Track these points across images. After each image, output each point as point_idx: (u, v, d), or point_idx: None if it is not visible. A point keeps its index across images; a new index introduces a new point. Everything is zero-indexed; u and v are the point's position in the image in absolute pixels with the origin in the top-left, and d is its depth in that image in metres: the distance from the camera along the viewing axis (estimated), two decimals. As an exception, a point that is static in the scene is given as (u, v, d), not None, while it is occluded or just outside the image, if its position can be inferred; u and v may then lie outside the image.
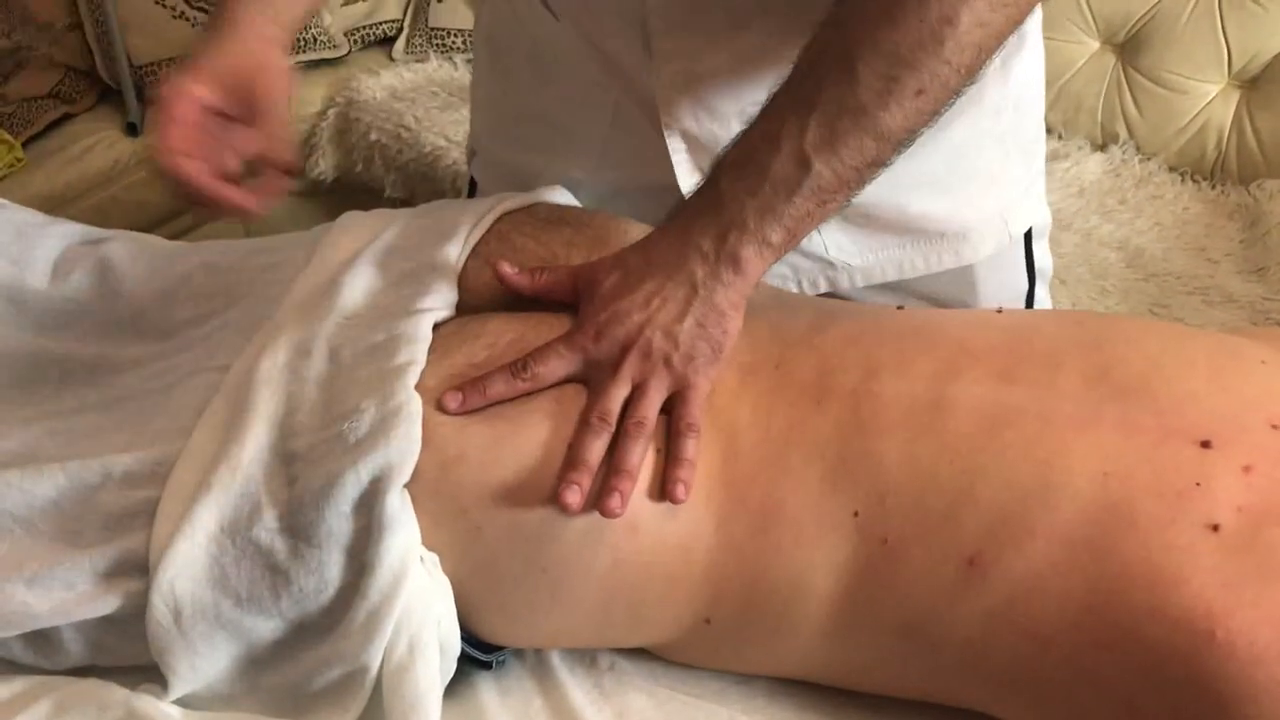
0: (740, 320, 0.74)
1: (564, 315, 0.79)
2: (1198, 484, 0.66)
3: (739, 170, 0.73)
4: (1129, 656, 0.64)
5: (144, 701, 0.72)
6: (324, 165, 2.09)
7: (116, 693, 0.73)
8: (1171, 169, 1.84)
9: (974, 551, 0.68)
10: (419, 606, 0.71)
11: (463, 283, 0.83)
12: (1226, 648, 0.61)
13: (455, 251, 0.84)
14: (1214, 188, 1.81)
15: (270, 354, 0.79)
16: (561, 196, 0.96)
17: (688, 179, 0.91)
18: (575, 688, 0.77)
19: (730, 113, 0.90)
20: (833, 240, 0.96)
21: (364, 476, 0.70)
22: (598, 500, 0.70)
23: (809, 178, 0.71)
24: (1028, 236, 1.05)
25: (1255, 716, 0.60)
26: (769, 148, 0.72)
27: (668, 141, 0.91)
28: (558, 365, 0.73)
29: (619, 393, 0.72)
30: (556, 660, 0.79)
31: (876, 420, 0.73)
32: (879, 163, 0.73)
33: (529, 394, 0.73)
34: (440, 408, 0.72)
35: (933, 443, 0.71)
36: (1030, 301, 1.08)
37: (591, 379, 0.74)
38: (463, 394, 0.73)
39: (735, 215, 0.72)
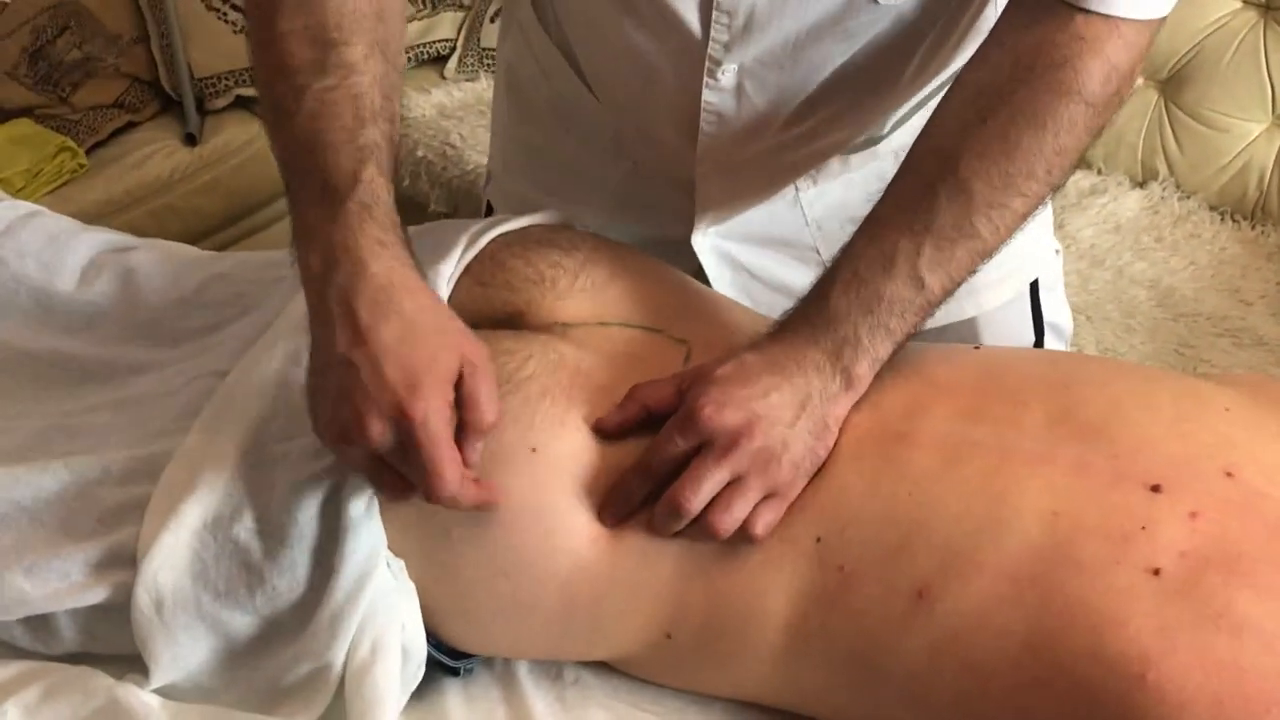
0: (836, 436, 0.74)
1: (553, 338, 0.81)
2: (1143, 527, 0.67)
3: (854, 289, 0.74)
4: (1065, 696, 0.65)
5: (126, 690, 0.76)
6: (371, 178, 2.14)
7: (102, 680, 0.76)
8: (1211, 208, 1.82)
9: (923, 584, 0.69)
10: (383, 608, 0.74)
11: (453, 300, 0.86)
12: (1156, 692, 0.62)
13: (447, 270, 0.87)
14: (1254, 228, 1.78)
15: (265, 361, 0.82)
16: (557, 220, 0.98)
17: (708, 252, 0.96)
18: (539, 699, 0.80)
19: (760, 185, 0.95)
20: None
21: (331, 479, 0.73)
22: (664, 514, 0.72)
23: (921, 296, 0.74)
24: (1034, 288, 1.06)
25: (1181, 761, 0.61)
26: (884, 269, 0.74)
27: (699, 224, 0.95)
28: (675, 450, 0.72)
29: (718, 479, 0.71)
30: (523, 671, 0.81)
31: (842, 449, 0.75)
32: (988, 255, 0.76)
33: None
34: (602, 521, 0.74)
35: (894, 474, 0.73)
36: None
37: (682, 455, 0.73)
38: (612, 510, 0.74)
39: (850, 333, 0.74)
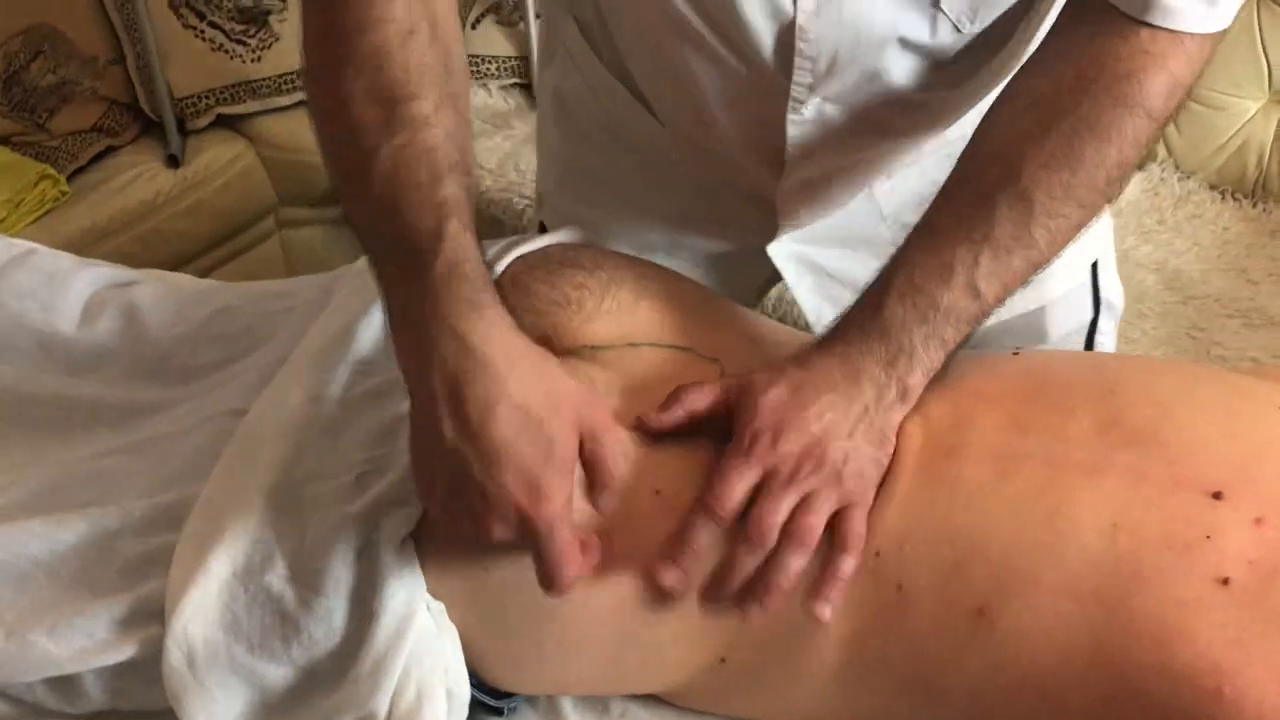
0: (894, 444, 0.73)
1: (581, 361, 0.79)
2: (1208, 536, 0.65)
3: (909, 298, 0.72)
4: (1135, 713, 0.63)
5: None
6: (361, 193, 2.11)
7: None
8: (1211, 187, 1.81)
9: (983, 602, 0.68)
10: (426, 653, 0.71)
11: None
12: (1234, 706, 0.60)
13: None
14: (1255, 206, 1.77)
15: (285, 400, 0.80)
16: (576, 238, 0.96)
17: (786, 259, 0.95)
18: (586, 737, 0.78)
19: (842, 191, 0.93)
20: None
21: (365, 523, 0.71)
22: (741, 606, 0.69)
23: (977, 305, 0.73)
24: (1094, 267, 1.05)
25: (1264, 777, 0.59)
26: (941, 279, 0.72)
27: (780, 235, 0.94)
28: (740, 486, 0.69)
29: (788, 503, 0.69)
30: (568, 707, 0.79)
31: (897, 465, 0.73)
32: (1043, 265, 0.75)
33: None
34: (665, 587, 0.69)
35: (946, 490, 0.71)
36: (1092, 334, 1.07)
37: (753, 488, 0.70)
38: (676, 564, 0.69)
39: (904, 342, 0.72)
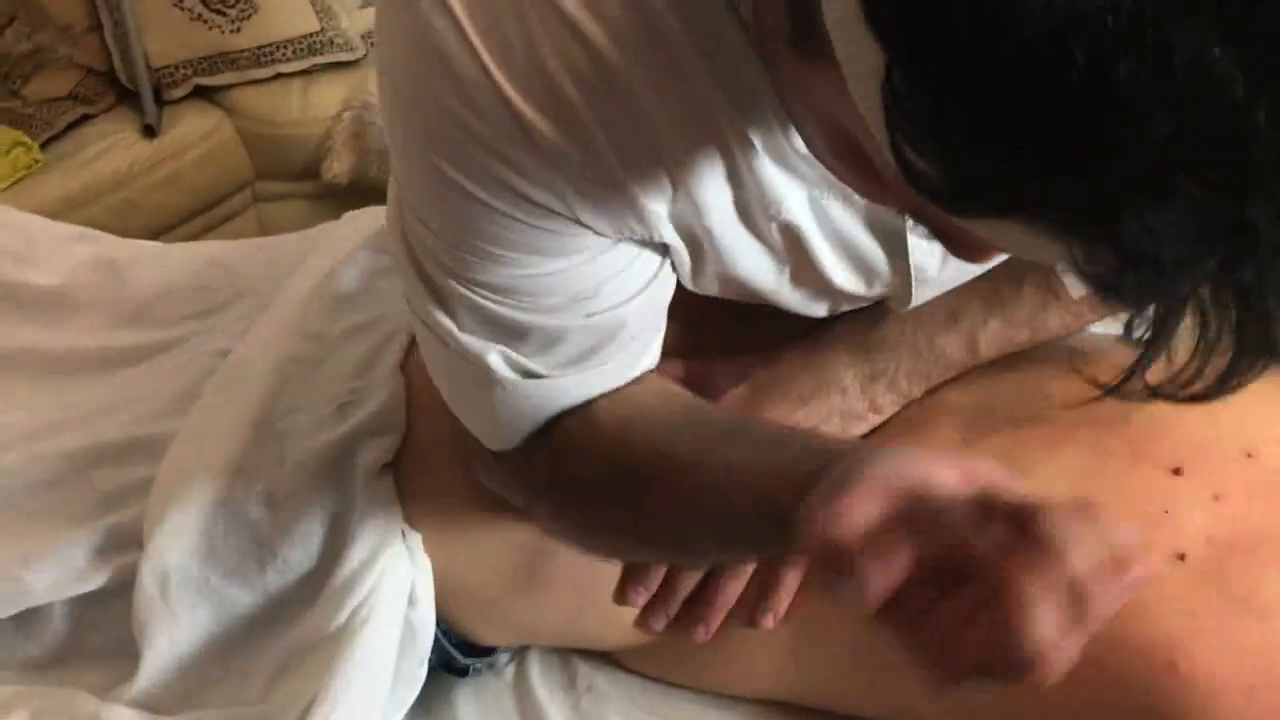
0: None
1: None
2: (1166, 511, 0.66)
3: (907, 329, 0.71)
4: (1091, 685, 0.63)
5: (113, 711, 0.73)
6: (338, 168, 2.09)
7: (87, 703, 0.74)
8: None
9: None
10: (392, 578, 0.72)
11: None
12: (1187, 679, 0.61)
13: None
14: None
15: (266, 338, 0.81)
16: None
17: None
18: (554, 708, 0.78)
19: None
20: None
21: (344, 451, 0.72)
22: (684, 624, 0.68)
23: (970, 359, 0.72)
24: None
25: (1214, 749, 0.60)
26: (945, 324, 0.71)
27: None
28: None
29: None
30: (536, 680, 0.79)
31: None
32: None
33: None
34: (630, 604, 0.68)
35: (912, 446, 0.71)
36: None
37: None
38: (639, 583, 0.67)
39: (889, 368, 0.72)
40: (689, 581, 0.70)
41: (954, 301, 0.71)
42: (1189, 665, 0.61)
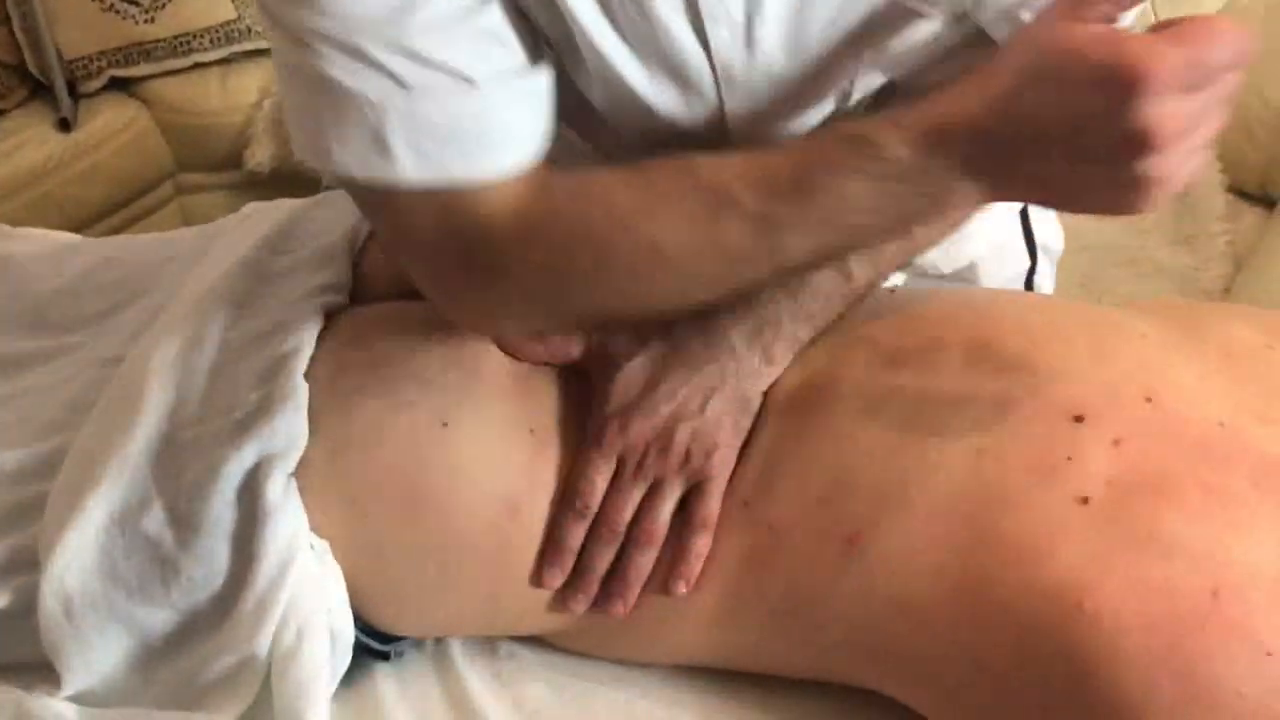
0: (759, 403, 0.73)
1: None
2: (1069, 458, 0.67)
3: None
4: (1001, 631, 0.65)
5: (37, 702, 0.72)
6: (261, 156, 2.07)
7: (9, 695, 0.72)
8: (1103, 142, 1.85)
9: (853, 530, 0.69)
10: (308, 593, 0.71)
11: (361, 268, 0.84)
12: (1093, 617, 0.62)
13: (352, 237, 0.84)
14: (1145, 159, 1.82)
15: (163, 345, 0.79)
16: None
17: None
18: (474, 677, 0.78)
19: None
20: None
21: (247, 463, 0.70)
22: (601, 604, 0.72)
23: (847, 287, 0.73)
24: (1024, 214, 1.06)
25: (1121, 685, 0.61)
26: None
27: None
28: (599, 479, 0.72)
29: (636, 495, 0.72)
30: (456, 650, 0.79)
31: (768, 408, 0.74)
32: (916, 252, 0.76)
33: (403, 371, 0.73)
34: (550, 587, 0.73)
35: (816, 426, 0.72)
36: (1030, 280, 1.08)
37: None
38: (556, 565, 0.72)
39: (771, 315, 0.73)
40: (604, 560, 0.72)
41: None
42: (1094, 605, 0.62)
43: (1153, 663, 0.61)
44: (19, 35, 2.02)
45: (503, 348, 0.76)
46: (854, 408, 0.72)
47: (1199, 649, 0.60)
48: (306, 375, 0.74)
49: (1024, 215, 1.05)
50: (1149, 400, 0.69)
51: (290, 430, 0.71)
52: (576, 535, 0.72)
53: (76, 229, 1.91)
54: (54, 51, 1.98)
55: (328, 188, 2.10)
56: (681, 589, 0.72)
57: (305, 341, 0.76)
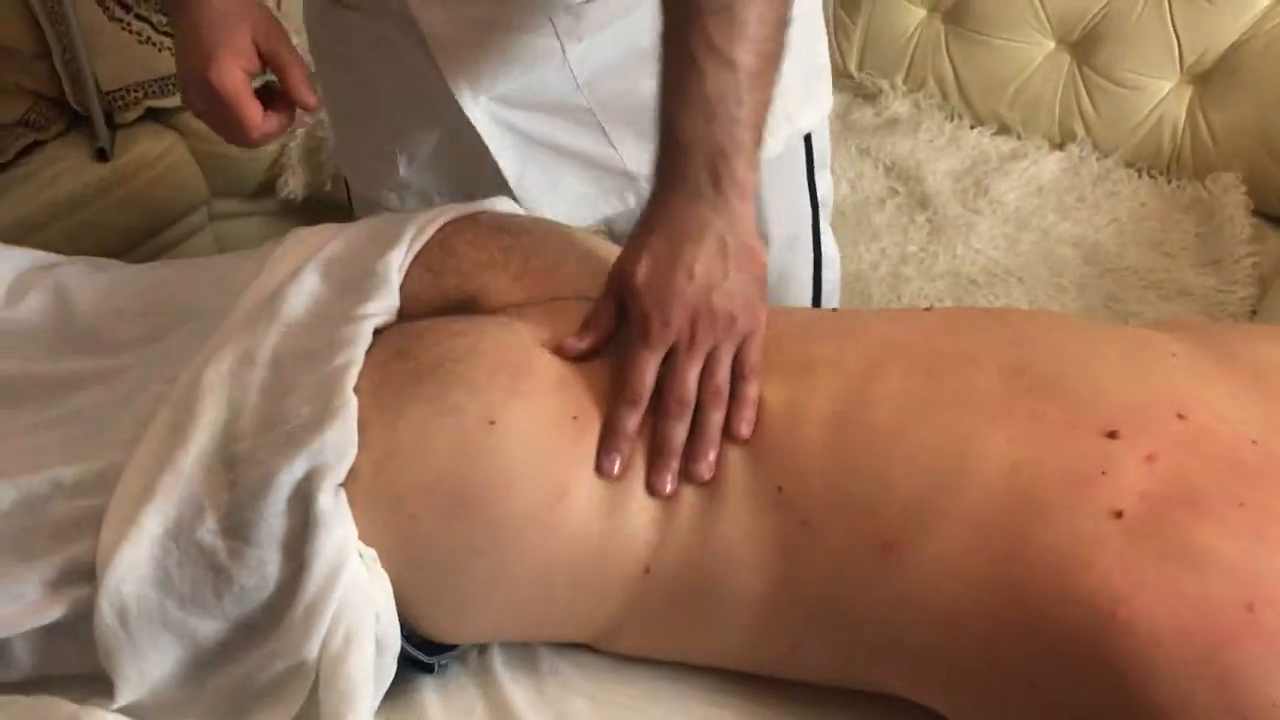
0: (761, 244, 0.78)
1: (501, 319, 0.81)
2: (1103, 472, 0.68)
3: (683, 109, 0.75)
4: (1035, 639, 0.66)
5: (91, 715, 0.74)
6: (293, 185, 2.10)
7: (64, 708, 0.74)
8: (1128, 165, 1.86)
9: (890, 538, 0.70)
10: (356, 600, 0.73)
11: (405, 289, 0.86)
12: (1127, 627, 0.63)
13: (397, 258, 0.87)
14: (1169, 182, 1.83)
15: (215, 363, 0.81)
16: (506, 205, 0.98)
17: (485, 121, 1.00)
18: (517, 692, 0.79)
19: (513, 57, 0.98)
20: (630, 154, 1.02)
21: (298, 474, 0.72)
22: (689, 470, 0.76)
23: (740, 72, 0.74)
24: (810, 156, 1.11)
25: (1156, 695, 0.62)
26: (692, 73, 0.74)
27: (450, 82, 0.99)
28: (649, 370, 0.76)
29: (696, 369, 0.76)
30: (499, 665, 0.81)
31: (806, 412, 0.76)
32: (784, 21, 0.76)
33: (448, 379, 0.76)
34: (608, 474, 0.76)
35: (855, 433, 0.74)
36: (817, 232, 1.16)
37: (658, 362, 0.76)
38: (614, 450, 0.76)
39: (711, 147, 0.74)
40: (681, 434, 0.76)
41: (678, 49, 0.75)
42: (1129, 615, 0.63)
43: (1188, 673, 0.62)
44: (59, 68, 2.06)
45: (560, 351, 0.79)
46: (891, 418, 0.73)
47: (1235, 660, 0.61)
48: (355, 389, 0.76)
49: (810, 156, 1.11)
50: (1181, 417, 0.71)
51: (340, 442, 0.73)
52: (632, 422, 0.76)
53: (112, 255, 1.95)
54: (93, 83, 2.02)
55: (358, 216, 2.14)
56: (745, 431, 0.75)
57: (355, 357, 0.78)
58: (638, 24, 0.94)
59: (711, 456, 0.75)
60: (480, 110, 1.01)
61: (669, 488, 0.75)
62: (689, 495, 0.75)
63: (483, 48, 0.97)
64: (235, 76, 0.89)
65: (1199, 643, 0.62)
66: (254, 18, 0.90)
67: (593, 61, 0.99)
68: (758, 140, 0.76)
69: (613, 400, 0.76)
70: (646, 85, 0.78)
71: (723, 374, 0.76)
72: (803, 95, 1.07)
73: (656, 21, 0.78)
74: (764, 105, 0.76)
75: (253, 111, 0.89)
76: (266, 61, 0.91)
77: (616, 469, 0.75)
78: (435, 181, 1.10)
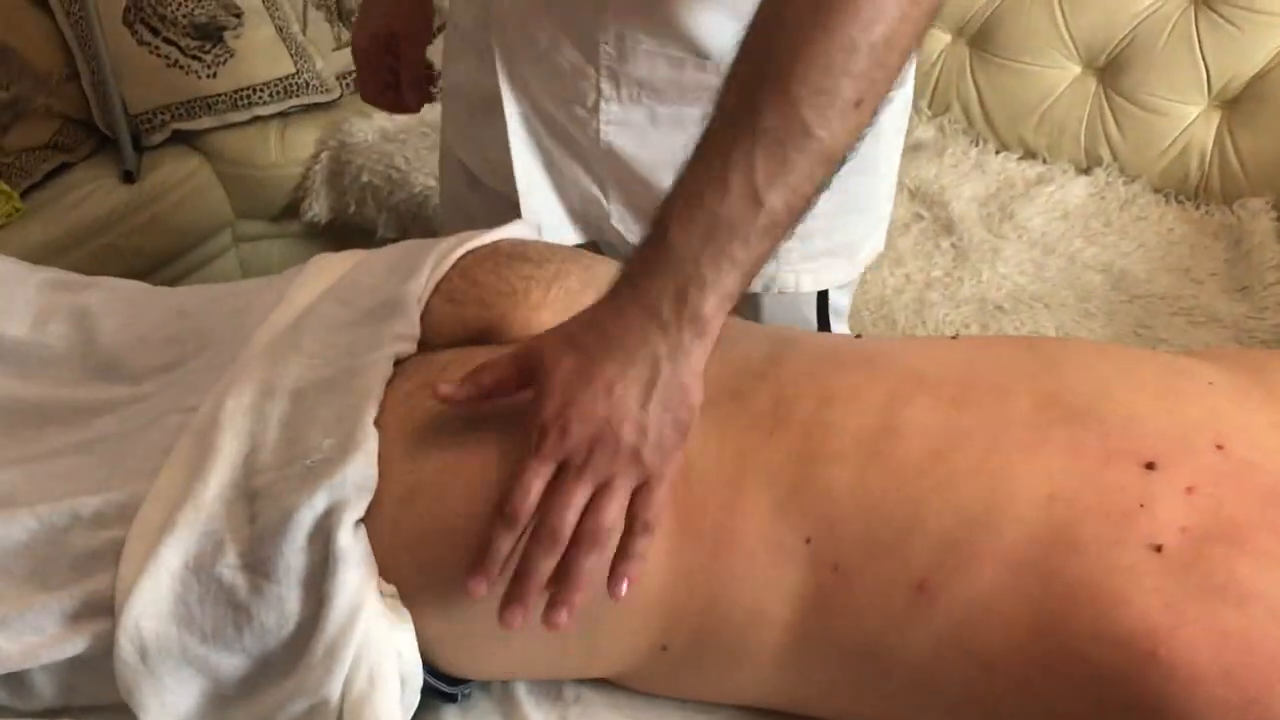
0: (702, 388, 0.69)
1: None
2: (1141, 505, 0.67)
3: (688, 219, 0.67)
4: (1074, 678, 0.65)
5: None
6: (318, 208, 2.11)
7: None
8: (1155, 190, 1.85)
9: (922, 577, 0.69)
10: (378, 638, 0.72)
11: (426, 319, 0.85)
12: (1168, 667, 0.62)
13: (417, 288, 0.86)
14: (1198, 208, 1.82)
15: (236, 395, 0.80)
16: (526, 232, 0.97)
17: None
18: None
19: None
20: (619, 223, 1.02)
21: (318, 509, 0.71)
22: (544, 613, 0.68)
23: (763, 214, 0.67)
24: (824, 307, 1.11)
25: (1196, 735, 0.61)
26: (716, 189, 0.67)
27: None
28: (535, 486, 0.68)
29: (581, 498, 0.68)
30: (522, 693, 0.80)
31: (826, 449, 0.73)
32: (824, 187, 0.69)
33: (474, 416, 0.74)
34: (476, 596, 0.68)
35: (881, 469, 0.72)
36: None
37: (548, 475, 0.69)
38: (483, 574, 0.68)
39: (692, 270, 0.67)
40: (545, 567, 0.68)
41: (711, 161, 0.68)
42: (1169, 654, 0.62)
43: (1230, 713, 0.60)
44: (88, 90, 2.08)
45: (438, 395, 0.73)
46: (920, 451, 0.71)
47: (1279, 701, 0.60)
48: (376, 422, 0.75)
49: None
50: (1220, 448, 0.69)
51: (361, 477, 0.72)
52: (504, 543, 0.68)
53: (138, 277, 1.95)
54: (120, 106, 2.04)
55: (382, 237, 2.14)
56: (620, 590, 0.68)
57: (375, 390, 0.77)
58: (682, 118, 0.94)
59: (572, 604, 0.67)
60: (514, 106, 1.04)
61: (516, 623, 0.67)
62: (710, 561, 0.72)
63: (537, 64, 1.00)
64: (363, 48, 1.17)
65: (1242, 683, 0.61)
66: (403, 21, 1.16)
67: (620, 131, 0.99)
68: (741, 290, 0.69)
69: (492, 512, 0.68)
70: (663, 187, 0.71)
71: (608, 514, 0.67)
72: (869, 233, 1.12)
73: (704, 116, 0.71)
74: (764, 257, 0.69)
75: (365, 75, 1.19)
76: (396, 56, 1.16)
77: (482, 592, 0.68)
78: None
